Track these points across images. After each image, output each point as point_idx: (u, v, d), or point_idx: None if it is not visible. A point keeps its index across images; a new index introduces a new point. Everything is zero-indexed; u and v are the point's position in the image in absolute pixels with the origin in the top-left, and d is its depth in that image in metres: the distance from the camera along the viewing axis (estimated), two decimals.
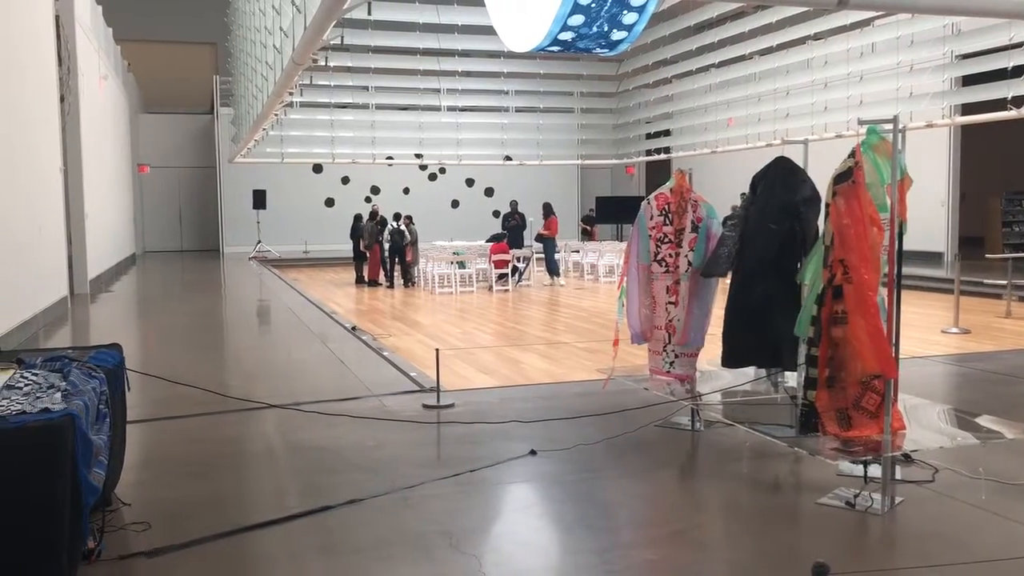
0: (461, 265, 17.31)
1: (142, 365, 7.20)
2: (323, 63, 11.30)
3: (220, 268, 24.20)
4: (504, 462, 5.26)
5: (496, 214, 28.46)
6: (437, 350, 7.11)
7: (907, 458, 4.99)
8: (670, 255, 5.86)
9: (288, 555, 3.98)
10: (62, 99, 14.09)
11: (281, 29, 10.85)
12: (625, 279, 6.08)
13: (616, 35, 8.33)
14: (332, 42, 9.42)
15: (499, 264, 17.38)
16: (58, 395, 3.35)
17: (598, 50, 8.72)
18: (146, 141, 29.86)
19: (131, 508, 4.43)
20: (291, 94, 13.29)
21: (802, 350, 4.91)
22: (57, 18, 14.00)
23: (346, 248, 20.69)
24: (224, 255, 28.29)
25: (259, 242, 27.43)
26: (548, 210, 19.26)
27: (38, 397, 3.32)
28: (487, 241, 19.44)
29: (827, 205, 4.54)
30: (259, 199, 27.54)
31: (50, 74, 13.19)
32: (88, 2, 17.96)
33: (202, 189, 30.39)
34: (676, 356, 5.90)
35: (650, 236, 5.95)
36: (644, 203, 6.06)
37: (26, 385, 3.45)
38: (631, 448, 5.60)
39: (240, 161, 24.54)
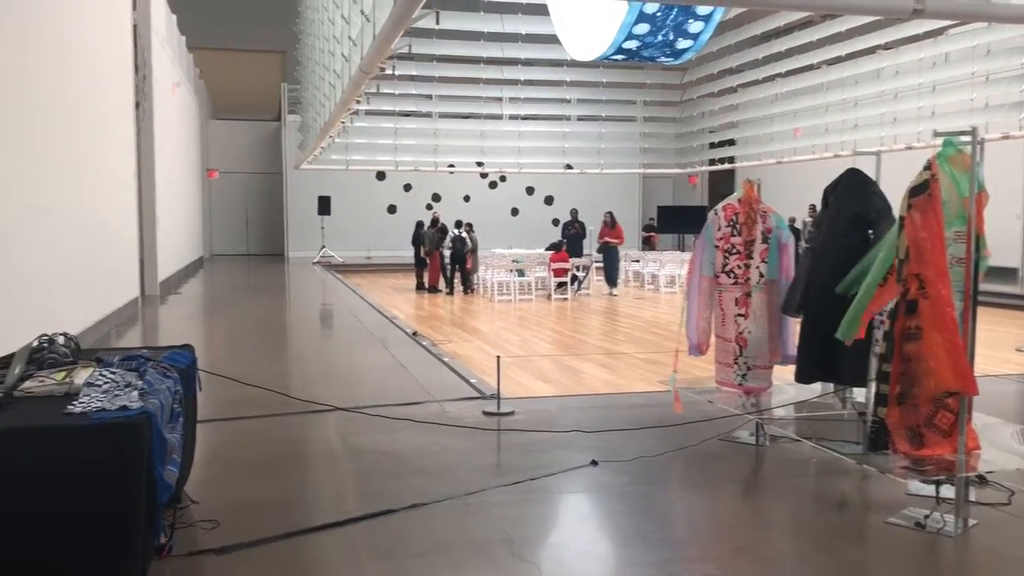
0: (520, 273, 17.34)
1: (208, 366, 7.34)
2: (390, 72, 11.43)
3: (285, 272, 24.64)
4: (565, 471, 5.25)
5: (555, 222, 28.44)
6: (498, 357, 7.13)
7: (981, 479, 4.84)
8: (739, 266, 5.79)
9: (351, 557, 4.02)
10: (137, 105, 14.52)
11: (350, 38, 11.02)
12: (688, 291, 6.03)
13: (681, 44, 8.26)
14: (399, 51, 9.53)
15: (558, 272, 17.37)
16: (135, 393, 3.45)
17: (663, 59, 8.65)
18: (215, 147, 30.57)
19: (200, 506, 4.52)
20: (358, 102, 13.48)
21: (872, 365, 4.81)
22: (135, 27, 14.44)
23: (407, 254, 20.89)
24: (289, 260, 28.79)
25: (323, 247, 27.85)
26: (613, 219, 19.14)
27: (116, 395, 3.42)
28: (546, 249, 19.44)
29: (901, 218, 4.44)
30: (324, 205, 27.99)
31: (127, 81, 13.59)
32: (164, 11, 18.48)
33: (268, 194, 30.99)
34: (749, 368, 5.82)
35: (717, 247, 5.88)
36: (711, 214, 6.00)
37: (105, 383, 3.56)
38: (694, 461, 5.54)
39: (306, 167, 24.96)
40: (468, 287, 18.34)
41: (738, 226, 5.83)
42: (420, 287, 19.14)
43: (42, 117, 8.48)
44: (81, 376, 3.65)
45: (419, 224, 20.02)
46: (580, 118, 22.61)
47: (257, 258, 30.04)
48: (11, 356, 3.87)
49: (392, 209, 29.84)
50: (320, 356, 10.64)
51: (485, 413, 6.70)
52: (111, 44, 12.35)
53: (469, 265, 18.27)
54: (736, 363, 5.85)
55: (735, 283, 5.83)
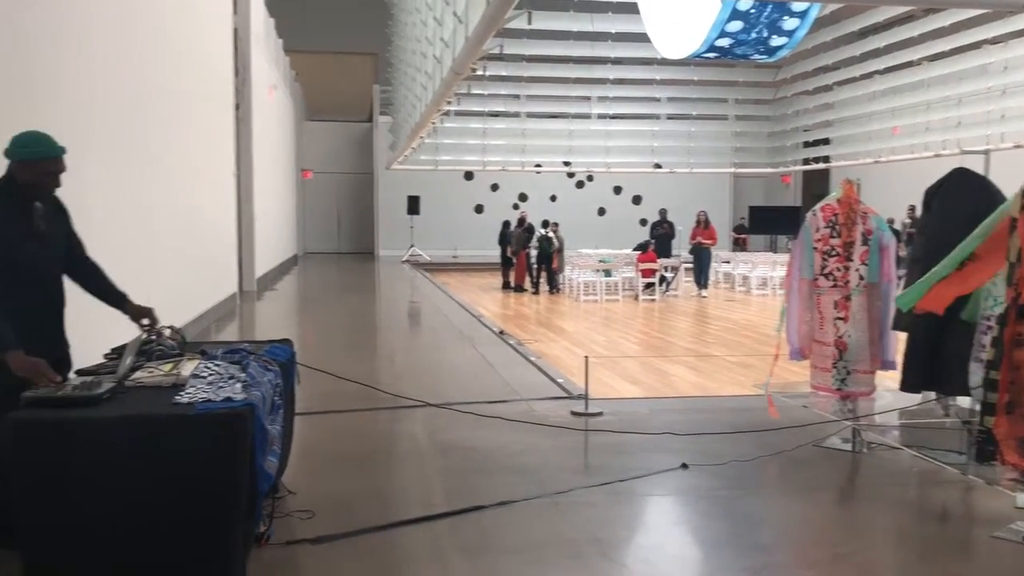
0: (607, 273, 17.25)
1: (302, 360, 7.53)
2: (480, 72, 11.53)
3: (374, 270, 25.10)
4: (655, 474, 5.20)
5: (643, 222, 28.19)
6: (586, 357, 7.11)
7: None
8: (838, 268, 5.64)
9: (441, 552, 4.07)
10: (237, 107, 14.99)
11: (442, 39, 11.15)
12: (786, 294, 5.90)
13: (776, 41, 8.08)
14: (491, 51, 9.60)
15: (646, 273, 17.22)
16: (238, 385, 3.56)
17: (756, 56, 8.48)
18: (309, 147, 31.34)
19: (296, 496, 4.65)
20: (448, 103, 13.63)
21: (977, 372, 4.62)
22: (235, 31, 14.92)
23: (493, 254, 21.02)
24: (378, 258, 29.31)
25: (412, 246, 28.26)
26: (707, 219, 18.85)
27: (220, 387, 3.53)
28: (633, 249, 19.30)
29: (1013, 220, 4.25)
30: (413, 205, 28.41)
31: (227, 84, 14.06)
32: (262, 16, 19.04)
33: (360, 194, 31.61)
34: (849, 373, 5.66)
35: (815, 249, 5.74)
36: (809, 215, 5.85)
37: (210, 375, 3.68)
38: (788, 467, 5.42)
39: (396, 168, 25.38)
40: (554, 287, 18.34)
41: (837, 227, 5.67)
42: (506, 286, 19.23)
43: (155, 121, 8.85)
44: (187, 368, 3.78)
45: (506, 224, 20.11)
46: (670, 117, 22.37)
47: (348, 256, 30.67)
48: (123, 347, 4.04)
49: (479, 209, 30.07)
50: (409, 352, 10.80)
51: (573, 413, 6.69)
52: (214, 48, 12.80)
53: (555, 265, 18.26)
54: (835, 367, 5.69)
55: (834, 286, 5.67)
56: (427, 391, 7.36)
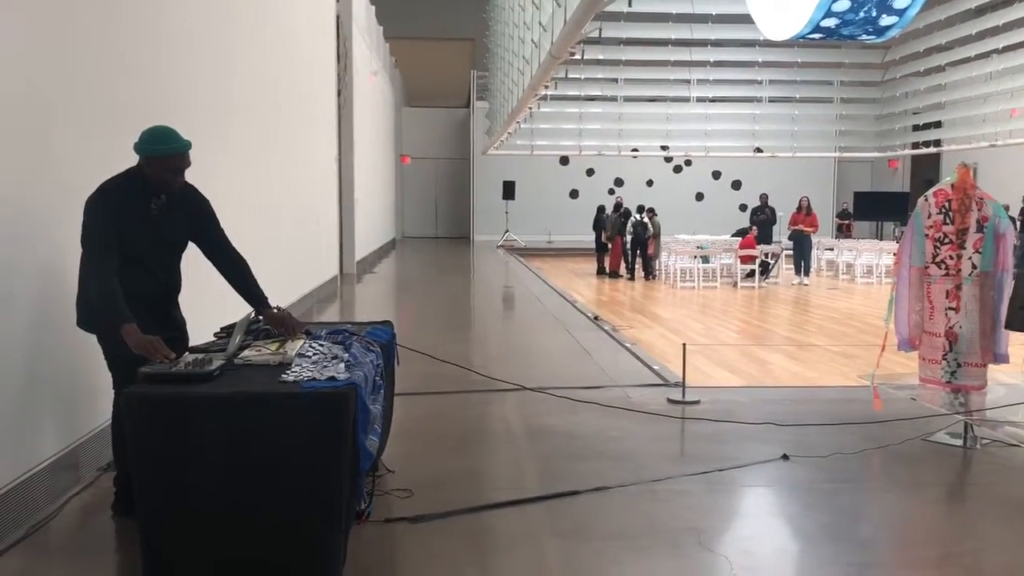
0: (705, 259, 16.97)
1: (399, 341, 7.67)
2: (578, 56, 11.46)
3: (470, 255, 25.34)
4: (754, 464, 5.10)
5: (743, 208, 27.64)
6: (684, 345, 7.02)
7: None
8: (951, 256, 5.40)
9: (537, 535, 4.09)
10: (339, 94, 15.31)
11: (540, 24, 11.13)
12: (896, 282, 5.69)
13: (885, 20, 7.77)
14: (589, 35, 9.53)
15: (745, 259, 16.87)
16: (341, 365, 3.64)
17: (864, 36, 8.16)
18: (408, 133, 31.80)
19: (395, 475, 4.74)
20: (546, 87, 13.61)
21: None
22: (338, 18, 15.22)
23: (588, 239, 20.94)
24: (474, 243, 29.57)
25: (507, 231, 28.41)
26: (809, 204, 18.32)
27: (324, 366, 3.62)
28: (732, 235, 18.92)
29: None
30: (508, 190, 28.54)
31: (330, 70, 14.36)
32: (364, 3, 19.37)
33: (456, 179, 31.93)
34: (960, 365, 5.43)
35: (927, 236, 5.51)
36: (921, 200, 5.62)
37: (314, 354, 3.78)
38: (893, 461, 5.24)
39: (492, 153, 25.51)
40: (649, 273, 18.15)
41: (951, 213, 5.43)
42: (601, 272, 19.13)
43: (264, 108, 9.12)
44: (293, 347, 3.89)
45: (601, 209, 20.00)
46: (772, 100, 21.80)
47: (445, 241, 31.05)
48: (232, 327, 4.19)
49: (574, 194, 29.98)
50: (503, 336, 10.87)
51: (670, 401, 6.61)
52: (318, 36, 13.09)
53: (651, 250, 18.07)
54: (944, 359, 5.46)
55: (946, 274, 5.44)
56: (521, 375, 7.39)
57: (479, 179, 30.20)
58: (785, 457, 5.19)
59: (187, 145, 3.94)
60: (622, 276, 18.46)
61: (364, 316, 10.33)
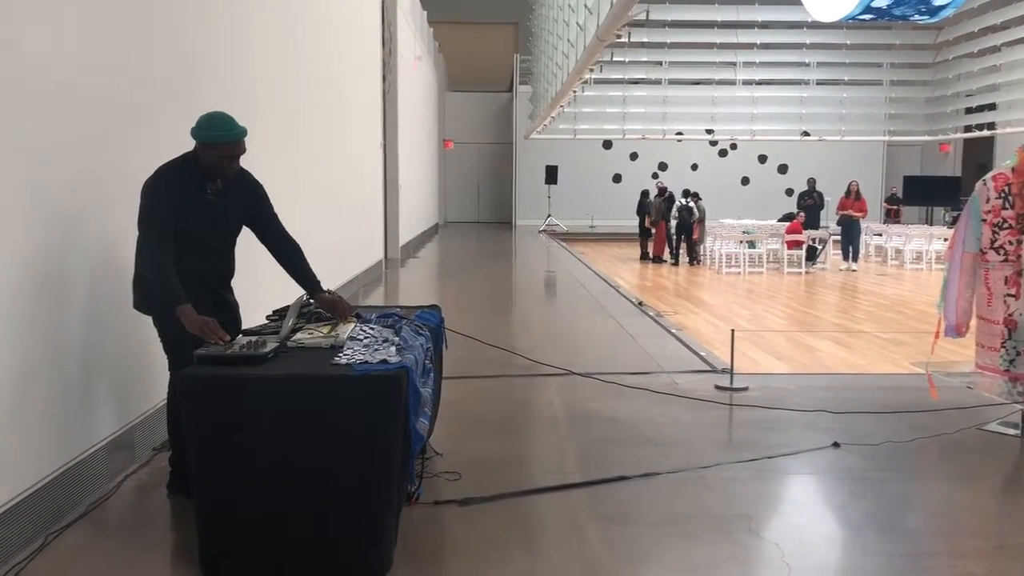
0: (751, 245, 16.78)
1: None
2: (624, 39, 11.36)
3: (512, 239, 25.34)
4: (804, 452, 5.05)
5: (789, 192, 27.31)
6: (732, 331, 6.96)
7: None
8: (1010, 242, 5.27)
9: (586, 520, 4.09)
10: (383, 79, 15.36)
11: (586, 6, 11.04)
12: (948, 267, 5.57)
13: (939, 0, 7.57)
14: (636, 17, 9.44)
15: (792, 245, 16.64)
16: (392, 348, 3.66)
17: (916, 17, 7.97)
18: (451, 118, 31.83)
19: (443, 458, 4.77)
20: (591, 71, 13.52)
21: None
22: (383, 3, 15.25)
23: (631, 224, 20.82)
24: (516, 227, 29.55)
25: (549, 216, 28.34)
26: (858, 189, 17.99)
27: (376, 350, 3.65)
28: (779, 220, 18.67)
29: None
30: (551, 174, 28.45)
31: (375, 56, 14.41)
32: None
33: (498, 164, 31.91)
34: (1019, 353, 5.30)
35: (984, 221, 5.38)
36: (979, 184, 5.48)
37: (365, 338, 3.81)
38: (947, 450, 5.15)
39: (535, 137, 25.44)
40: (694, 258, 18.00)
41: (1010, 198, 5.29)
42: (644, 257, 19.02)
43: (315, 96, 9.19)
44: (344, 330, 3.93)
45: (644, 193, 19.86)
46: (819, 82, 21.45)
47: (487, 225, 31.07)
48: (284, 309, 4.24)
49: (617, 178, 29.81)
50: (546, 321, 10.86)
51: (717, 387, 6.56)
52: (364, 21, 13.14)
53: (696, 235, 17.91)
54: (1003, 347, 5.34)
55: (1004, 260, 5.31)
56: (565, 360, 7.39)
57: (521, 164, 30.15)
58: (836, 445, 5.13)
59: (243, 132, 3.98)
60: (666, 261, 18.33)
61: (408, 300, 10.39)
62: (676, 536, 3.88)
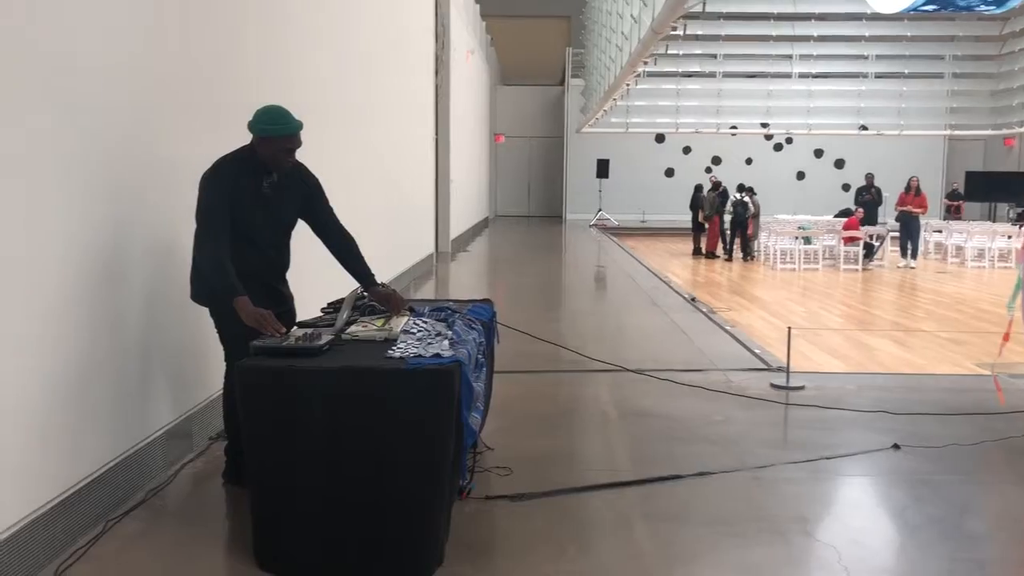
0: (807, 241, 16.49)
1: None
2: (679, 32, 11.22)
3: (562, 233, 25.26)
4: (863, 453, 4.94)
5: (846, 187, 26.80)
6: (789, 328, 6.83)
7: None
8: None
9: (639, 518, 4.04)
10: (436, 73, 15.40)
11: None
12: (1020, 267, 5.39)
13: None
14: (692, 8, 9.32)
15: (849, 241, 16.32)
16: (446, 343, 3.66)
17: (982, 7, 7.74)
18: (502, 112, 31.81)
19: (494, 453, 4.76)
20: (645, 64, 13.39)
21: None
22: None
23: (683, 219, 20.60)
24: (566, 221, 29.44)
25: (600, 210, 28.19)
26: (919, 185, 17.55)
27: (429, 343, 3.64)
28: (835, 216, 18.31)
29: None
30: (602, 168, 28.28)
31: (428, 49, 14.45)
32: None
33: (549, 158, 31.82)
34: None
35: None
36: None
37: (419, 331, 3.81)
38: (1015, 455, 4.98)
39: (587, 131, 25.32)
40: (748, 254, 17.75)
41: None
42: (697, 252, 18.82)
43: (371, 88, 9.26)
44: (397, 324, 3.93)
45: (698, 188, 19.63)
46: (878, 75, 20.96)
47: (537, 220, 31.02)
48: (339, 302, 4.26)
49: (670, 172, 29.53)
50: (597, 316, 10.79)
51: (772, 386, 6.45)
52: (417, 15, 13.18)
53: (750, 231, 17.66)
54: None
55: None
56: (616, 355, 7.32)
57: (572, 157, 30.03)
58: (896, 447, 5.00)
59: (299, 125, 4.00)
60: (719, 257, 18.11)
61: (459, 294, 10.40)
62: (730, 537, 3.82)
